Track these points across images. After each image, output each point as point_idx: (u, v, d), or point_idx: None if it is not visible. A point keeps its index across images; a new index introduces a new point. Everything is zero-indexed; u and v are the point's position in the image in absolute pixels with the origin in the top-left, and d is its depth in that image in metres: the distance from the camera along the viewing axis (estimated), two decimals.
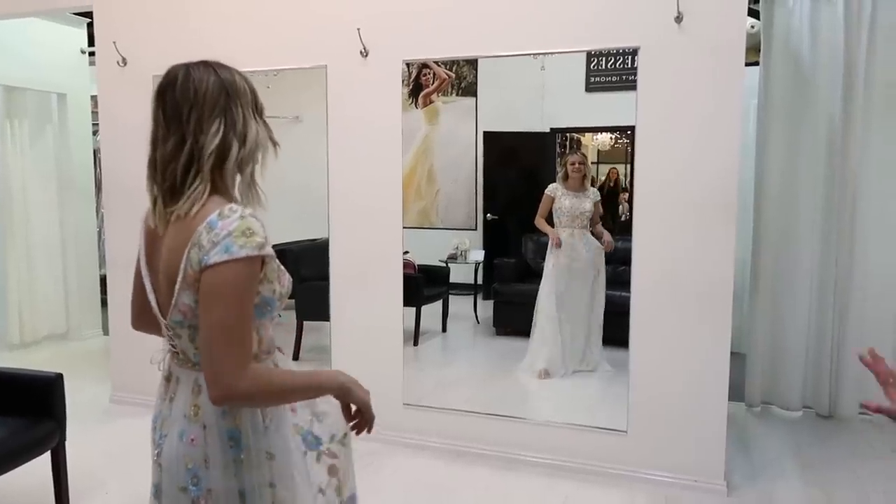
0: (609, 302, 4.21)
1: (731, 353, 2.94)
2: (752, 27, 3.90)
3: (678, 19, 2.85)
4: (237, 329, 1.16)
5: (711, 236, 2.89)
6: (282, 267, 1.28)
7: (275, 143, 1.34)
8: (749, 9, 2.96)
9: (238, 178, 1.28)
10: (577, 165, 4.31)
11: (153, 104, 1.29)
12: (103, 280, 5.09)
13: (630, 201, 5.17)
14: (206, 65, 1.29)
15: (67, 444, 2.65)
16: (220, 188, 1.26)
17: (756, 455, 3.38)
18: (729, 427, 2.95)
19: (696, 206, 2.90)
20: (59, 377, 2.62)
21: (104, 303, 5.24)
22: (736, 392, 3.54)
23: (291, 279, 1.32)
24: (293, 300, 4.91)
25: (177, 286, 1.21)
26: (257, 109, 1.32)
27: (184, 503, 1.27)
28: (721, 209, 2.86)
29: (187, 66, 1.28)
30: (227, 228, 1.17)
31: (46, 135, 5.36)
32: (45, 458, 2.58)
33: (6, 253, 5.20)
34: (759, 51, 3.84)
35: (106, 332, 5.26)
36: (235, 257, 1.15)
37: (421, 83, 5.00)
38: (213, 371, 1.16)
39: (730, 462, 3.03)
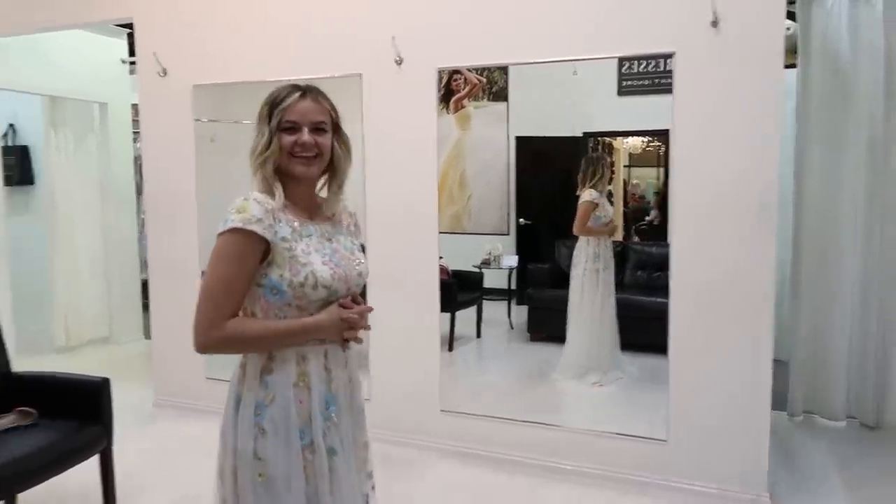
0: (642, 308, 4.17)
1: (772, 361, 2.89)
2: (788, 29, 3.84)
3: (714, 23, 2.82)
4: (214, 289, 1.38)
5: (751, 241, 2.84)
6: (301, 259, 1.43)
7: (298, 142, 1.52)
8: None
9: (259, 176, 1.50)
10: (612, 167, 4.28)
11: None
12: (144, 285, 5.22)
13: (661, 206, 5.16)
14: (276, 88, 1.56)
15: (113, 446, 2.72)
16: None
17: (800, 466, 3.31)
18: (771, 437, 2.90)
19: (736, 210, 2.86)
20: (106, 382, 2.69)
21: (145, 307, 5.35)
22: (777, 401, 3.46)
23: (316, 275, 1.43)
24: None
25: None
26: (270, 116, 1.50)
27: (219, 445, 1.50)
28: (761, 213, 2.82)
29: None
30: (232, 206, 1.41)
31: (89, 143, 5.50)
32: (93, 461, 2.65)
33: (52, 259, 5.35)
34: (796, 52, 3.78)
35: (147, 336, 5.37)
36: (225, 228, 1.39)
37: (452, 89, 5.02)
38: (194, 325, 1.39)
39: (773, 473, 2.98)
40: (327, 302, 1.47)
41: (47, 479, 2.44)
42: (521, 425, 3.35)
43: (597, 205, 4.23)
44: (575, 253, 4.30)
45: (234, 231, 1.38)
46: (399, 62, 3.38)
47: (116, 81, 5.49)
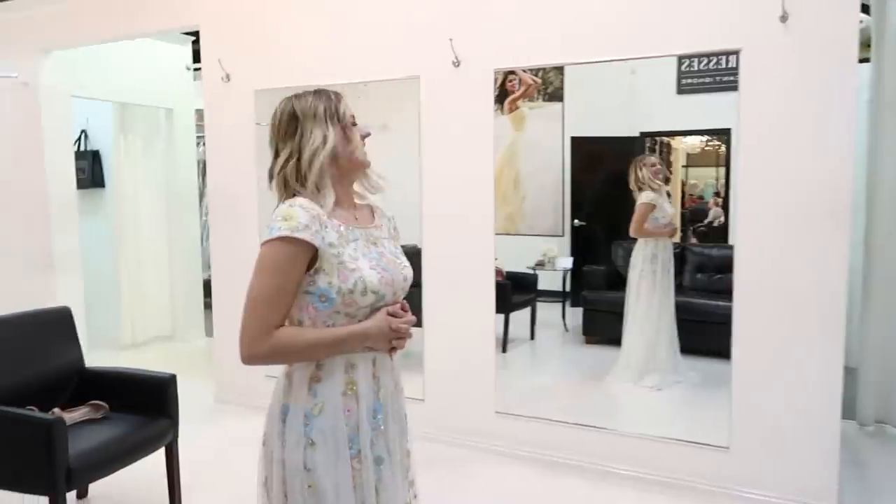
0: (701, 311, 4.07)
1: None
2: (861, 22, 3.68)
3: (783, 18, 2.73)
4: (261, 300, 1.34)
5: (821, 244, 2.74)
6: (349, 265, 1.39)
7: (365, 135, 1.54)
8: None
9: (312, 179, 1.44)
10: (656, 167, 4.20)
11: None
12: (206, 284, 5.38)
13: (724, 206, 5.02)
14: (295, 95, 1.50)
15: (178, 440, 2.81)
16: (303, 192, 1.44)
17: (870, 478, 3.17)
18: (840, 447, 2.79)
19: (805, 211, 2.76)
20: (173, 378, 2.78)
21: (207, 306, 5.52)
22: (847, 409, 3.32)
23: (365, 281, 1.40)
24: None
25: None
26: (336, 118, 1.48)
27: (261, 454, 1.49)
28: (832, 215, 2.71)
29: (281, 102, 1.51)
30: (276, 213, 1.38)
31: (155, 148, 5.70)
32: (159, 454, 2.74)
33: (120, 259, 5.57)
34: (869, 46, 3.62)
35: (208, 334, 5.53)
36: (271, 237, 1.35)
37: (507, 89, 5.00)
38: (241, 335, 1.35)
39: (842, 485, 2.86)
40: (374, 308, 1.43)
41: (117, 470, 2.55)
42: (576, 428, 3.31)
43: (654, 206, 4.15)
44: (633, 254, 4.23)
45: (282, 240, 1.34)
46: (456, 64, 3.39)
47: (181, 88, 5.69)
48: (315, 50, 3.76)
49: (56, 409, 2.58)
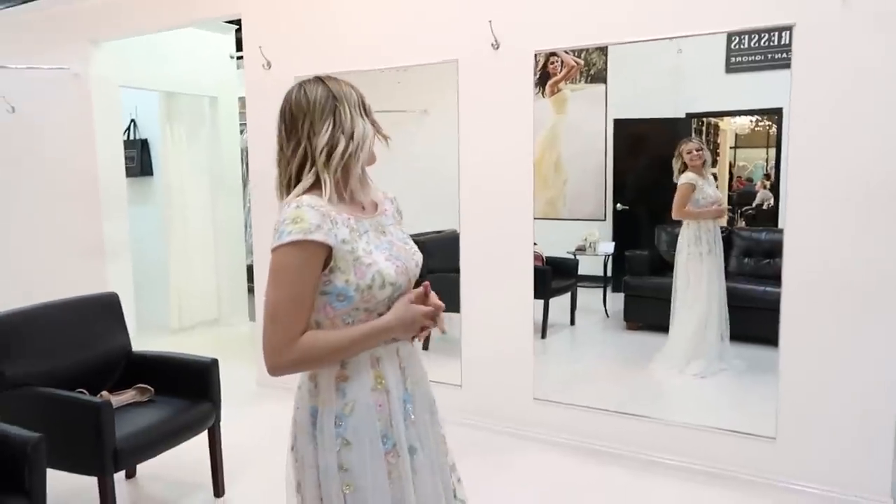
0: (748, 297, 3.97)
1: None
2: None
3: None
4: (281, 309, 1.29)
5: (881, 229, 2.62)
6: (365, 260, 1.35)
7: (385, 137, 1.48)
8: None
9: (351, 170, 1.40)
10: (695, 153, 4.11)
11: (277, 122, 1.43)
12: (250, 270, 5.47)
13: (773, 188, 4.85)
14: (317, 79, 1.44)
15: (221, 423, 2.87)
16: (322, 179, 1.37)
17: None
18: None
19: (863, 195, 2.64)
20: (215, 362, 2.83)
21: (251, 290, 5.62)
22: None
23: (383, 275, 1.36)
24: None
25: None
26: (364, 110, 1.45)
27: (289, 459, 1.46)
28: (893, 199, 2.59)
29: (301, 84, 1.43)
30: (284, 216, 1.30)
31: (200, 136, 5.80)
32: (202, 436, 2.81)
33: (168, 246, 5.70)
34: None
35: (252, 318, 5.63)
36: (284, 242, 1.28)
37: (548, 72, 4.91)
38: (264, 346, 1.31)
39: None
40: (392, 300, 1.40)
41: (162, 451, 2.61)
42: (617, 416, 3.26)
43: (695, 186, 4.06)
44: (679, 238, 4.15)
45: (295, 244, 1.28)
46: (496, 46, 3.34)
47: (225, 76, 5.77)
48: (353, 36, 3.75)
49: (104, 393, 2.67)
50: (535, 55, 3.32)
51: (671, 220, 4.22)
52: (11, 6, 4.77)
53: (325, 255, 1.32)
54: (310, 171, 1.37)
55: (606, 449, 3.24)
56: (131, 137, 5.84)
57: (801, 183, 2.76)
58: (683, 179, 4.08)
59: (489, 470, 3.13)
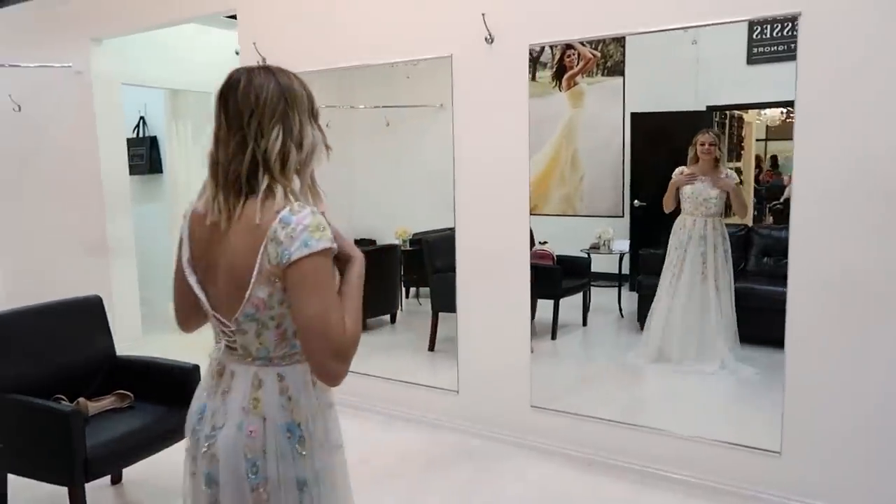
0: (764, 297, 3.80)
1: None
2: None
3: None
4: (333, 316, 1.24)
5: (894, 228, 2.44)
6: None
7: (328, 147, 1.39)
8: None
9: (297, 180, 1.33)
10: (707, 146, 3.96)
11: (215, 105, 1.33)
12: None
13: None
14: (267, 70, 1.33)
15: None
16: (284, 188, 1.29)
17: None
18: None
19: (877, 193, 2.46)
20: (196, 368, 2.77)
21: None
22: None
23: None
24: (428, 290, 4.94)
25: (252, 280, 1.26)
26: (313, 115, 1.37)
27: (244, 491, 1.35)
28: None
29: (249, 72, 1.32)
30: (303, 223, 1.24)
31: (207, 133, 5.75)
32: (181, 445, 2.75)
33: (172, 245, 5.69)
34: None
35: None
36: (315, 250, 1.23)
37: (565, 65, 4.78)
38: (320, 361, 1.25)
39: None
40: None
41: (140, 459, 2.58)
42: (617, 426, 3.12)
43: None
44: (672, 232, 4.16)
45: (325, 252, 1.25)
46: (489, 41, 3.22)
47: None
48: (346, 31, 3.66)
49: (81, 399, 2.63)
50: (530, 48, 3.18)
51: None
52: (14, 4, 4.81)
53: None
54: (263, 176, 1.28)
55: (604, 460, 3.11)
56: (140, 135, 5.85)
57: (809, 180, 2.59)
58: (674, 174, 4.06)
59: (482, 477, 3.03)
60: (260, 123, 1.28)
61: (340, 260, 1.37)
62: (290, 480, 1.35)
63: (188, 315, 1.51)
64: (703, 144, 4.01)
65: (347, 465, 1.51)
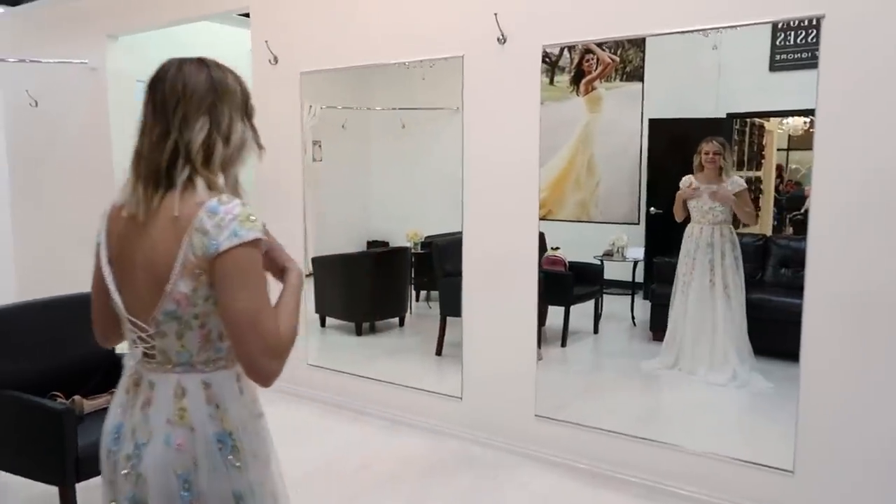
0: (781, 309, 3.72)
1: None
2: None
3: None
4: (264, 310, 1.19)
5: None
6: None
7: (260, 147, 1.35)
8: None
9: (222, 176, 1.28)
10: (711, 155, 3.88)
11: (144, 95, 1.29)
12: None
13: None
14: (200, 62, 1.29)
15: None
16: (207, 181, 1.24)
17: None
18: None
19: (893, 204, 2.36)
20: None
21: None
22: None
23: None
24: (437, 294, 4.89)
25: (173, 274, 1.20)
26: (246, 112, 1.33)
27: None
28: None
29: (180, 62, 1.29)
30: (232, 213, 1.19)
31: None
32: None
33: None
34: None
35: None
36: (245, 240, 1.18)
37: (583, 69, 4.73)
38: (251, 358, 1.18)
39: None
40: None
41: None
42: (623, 438, 3.03)
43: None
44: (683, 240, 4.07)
45: (255, 242, 1.20)
46: (502, 41, 3.16)
47: (244, 70, 5.69)
48: (358, 31, 3.63)
49: (76, 397, 2.59)
50: (547, 51, 3.12)
51: None
52: (32, 0, 4.84)
53: None
54: (183, 166, 1.22)
55: (609, 473, 3.02)
56: None
57: (828, 190, 2.50)
58: (684, 183, 3.98)
59: (482, 485, 2.97)
60: (185, 114, 1.23)
61: (278, 270, 1.36)
62: (225, 494, 1.27)
63: (107, 326, 1.39)
64: (707, 153, 3.94)
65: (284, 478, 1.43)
